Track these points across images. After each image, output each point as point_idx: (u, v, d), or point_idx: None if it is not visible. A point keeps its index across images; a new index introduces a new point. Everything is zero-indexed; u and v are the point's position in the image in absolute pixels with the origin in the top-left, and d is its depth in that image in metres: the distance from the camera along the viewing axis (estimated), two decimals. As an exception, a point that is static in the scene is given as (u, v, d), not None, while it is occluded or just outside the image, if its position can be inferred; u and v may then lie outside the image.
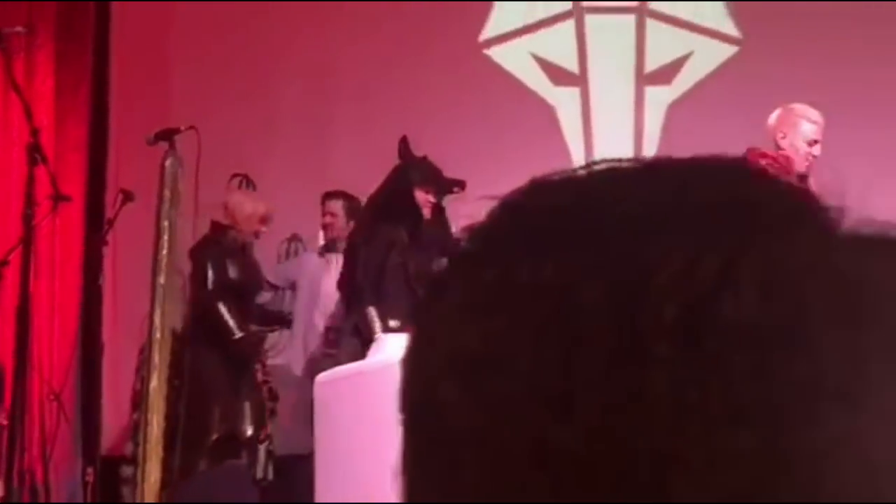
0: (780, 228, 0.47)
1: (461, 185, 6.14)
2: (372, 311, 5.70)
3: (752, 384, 0.44)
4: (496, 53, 7.75)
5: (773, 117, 5.49)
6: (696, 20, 7.77)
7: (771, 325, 0.44)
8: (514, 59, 7.76)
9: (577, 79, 7.82)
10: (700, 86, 7.70)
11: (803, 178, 5.33)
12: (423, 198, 6.03)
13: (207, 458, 5.85)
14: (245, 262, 6.18)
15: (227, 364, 6.00)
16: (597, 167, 0.50)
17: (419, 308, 0.52)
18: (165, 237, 4.64)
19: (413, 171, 6.12)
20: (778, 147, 5.40)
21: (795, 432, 0.44)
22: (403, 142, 6.21)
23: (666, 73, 7.78)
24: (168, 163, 4.70)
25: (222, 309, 5.96)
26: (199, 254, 6.07)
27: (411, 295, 5.78)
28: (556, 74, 7.79)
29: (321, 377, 4.81)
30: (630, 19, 7.81)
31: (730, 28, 7.75)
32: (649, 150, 7.68)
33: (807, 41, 7.48)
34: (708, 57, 7.74)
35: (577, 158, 7.70)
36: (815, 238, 0.48)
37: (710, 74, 7.71)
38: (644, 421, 0.44)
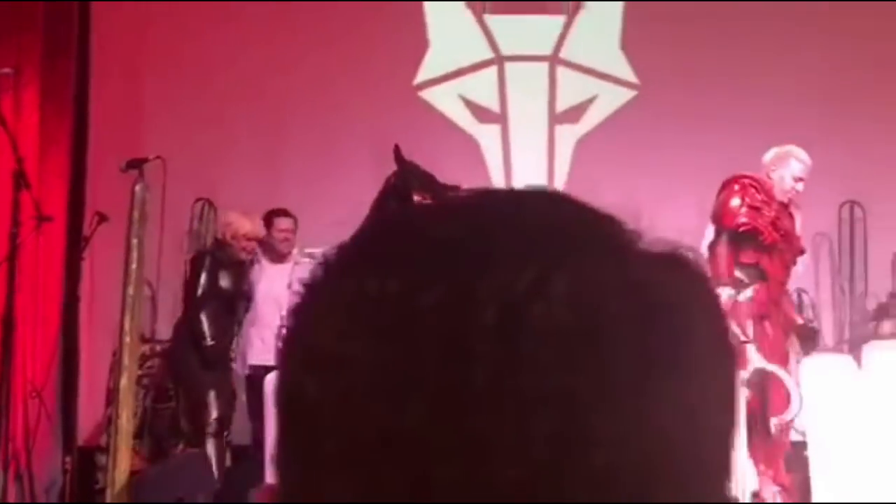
0: (587, 248, 0.49)
1: (455, 190, 6.04)
2: None
3: (558, 376, 0.45)
4: (428, 94, 7.82)
5: (768, 155, 5.54)
6: (600, 68, 7.88)
7: (574, 328, 0.46)
8: (444, 99, 7.80)
9: (499, 117, 7.86)
10: (603, 124, 7.77)
11: (784, 206, 5.44)
12: (420, 202, 5.95)
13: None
14: (237, 275, 6.21)
15: (203, 364, 6.03)
16: (446, 195, 0.56)
17: (292, 310, 0.52)
18: (134, 253, 4.68)
19: (411, 176, 6.03)
20: (768, 177, 5.45)
21: (594, 415, 0.45)
22: (397, 150, 6.14)
23: (574, 113, 7.83)
24: (137, 188, 4.76)
25: (202, 317, 5.99)
26: (197, 264, 6.13)
27: None
28: (480, 113, 7.83)
29: (271, 374, 4.85)
30: (543, 66, 7.86)
31: (628, 75, 7.86)
32: (560, 179, 7.81)
33: (690, 86, 7.58)
34: (610, 99, 7.80)
35: (499, 185, 7.79)
36: (615, 255, 0.49)
37: (611, 114, 7.78)
38: (468, 407, 0.45)
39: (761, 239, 5.26)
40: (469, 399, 0.45)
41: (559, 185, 7.76)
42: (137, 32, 7.42)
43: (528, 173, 7.77)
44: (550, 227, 0.50)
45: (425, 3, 7.82)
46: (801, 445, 4.75)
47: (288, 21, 7.58)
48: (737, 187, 5.38)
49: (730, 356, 0.52)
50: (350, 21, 7.60)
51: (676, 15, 7.63)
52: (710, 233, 5.40)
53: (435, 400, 0.45)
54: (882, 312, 6.47)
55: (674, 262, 0.52)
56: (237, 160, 7.30)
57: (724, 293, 5.01)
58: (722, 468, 0.50)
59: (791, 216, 5.49)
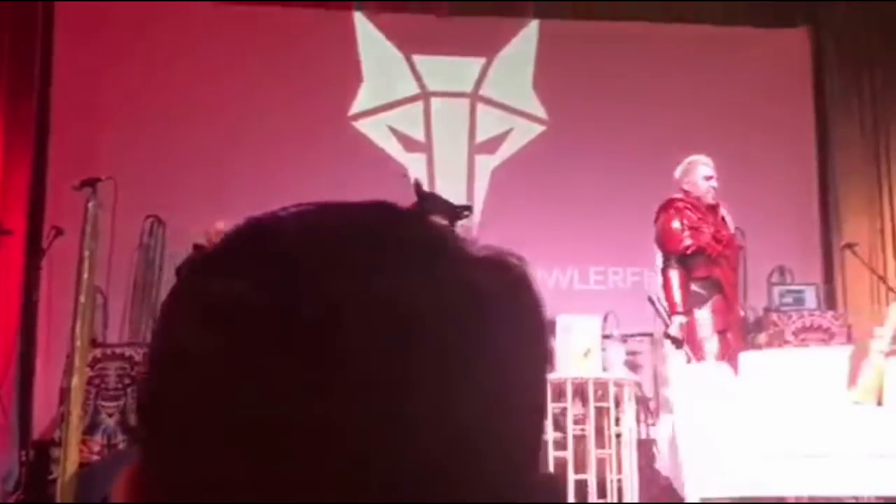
0: (407, 252, 0.49)
1: (469, 209, 5.98)
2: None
3: (371, 367, 0.45)
4: (362, 125, 7.84)
5: (678, 171, 5.48)
6: (514, 105, 7.95)
7: (387, 324, 0.46)
8: (376, 130, 7.84)
9: (424, 146, 7.89)
10: (517, 154, 7.84)
11: (714, 207, 5.35)
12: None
13: None
14: None
15: None
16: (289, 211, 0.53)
17: (161, 309, 0.52)
18: (86, 264, 4.63)
19: (429, 202, 5.94)
20: (685, 192, 5.38)
21: (402, 401, 0.45)
22: (417, 183, 6.07)
23: (491, 145, 7.89)
24: (90, 205, 4.71)
25: None
26: (180, 270, 6.05)
27: None
28: (408, 143, 7.85)
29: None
30: (465, 102, 7.92)
31: (539, 111, 7.98)
32: (478, 203, 7.88)
33: (592, 121, 7.70)
34: (523, 132, 7.88)
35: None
36: (432, 258, 0.49)
37: (524, 146, 7.87)
38: (300, 396, 0.45)
39: (707, 253, 5.16)
40: (300, 390, 0.45)
41: (477, 208, 7.84)
42: (95, 67, 7.35)
43: (450, 197, 7.81)
44: (375, 235, 0.50)
45: (360, 43, 7.86)
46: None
47: (235, 56, 7.56)
48: (672, 211, 5.27)
49: (540, 353, 0.52)
50: (292, 57, 7.61)
51: (584, 59, 7.78)
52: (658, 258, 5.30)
53: (262, 392, 0.45)
54: (757, 326, 6.61)
55: (493, 265, 0.51)
56: (185, 182, 7.25)
57: (678, 321, 4.95)
58: (527, 455, 0.50)
59: (723, 218, 5.41)
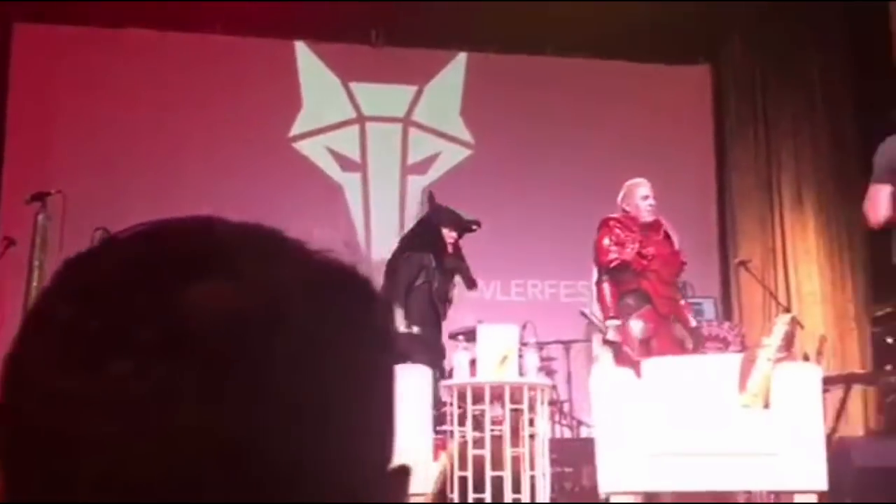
0: (236, 263, 0.46)
1: (478, 223, 5.92)
2: (399, 310, 5.44)
3: (195, 375, 0.43)
4: (301, 146, 7.82)
5: (620, 195, 5.52)
6: (443, 129, 8.02)
7: (213, 335, 0.44)
8: (314, 150, 7.83)
9: (360, 167, 7.90)
10: (446, 175, 7.89)
11: (653, 225, 5.38)
12: (448, 235, 5.82)
13: None
14: None
15: None
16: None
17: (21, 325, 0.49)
18: (35, 273, 4.57)
19: (441, 214, 5.91)
20: (624, 212, 5.42)
21: (212, 406, 0.43)
22: (430, 194, 6.05)
23: (423, 166, 7.93)
24: (40, 218, 4.65)
25: None
26: None
27: (432, 308, 5.58)
28: (344, 163, 7.84)
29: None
30: (398, 126, 7.97)
31: (467, 136, 8.04)
32: (409, 222, 7.88)
33: (515, 147, 7.78)
34: (451, 155, 7.94)
35: (359, 225, 7.85)
36: (258, 267, 0.46)
37: (453, 168, 7.93)
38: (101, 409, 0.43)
39: (633, 268, 5.25)
40: (133, 399, 0.43)
41: (409, 225, 7.86)
42: (48, 87, 7.23)
43: (383, 214, 7.84)
44: (209, 247, 0.47)
45: (300, 70, 7.84)
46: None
47: (182, 77, 7.49)
48: (605, 229, 5.36)
49: (367, 362, 0.49)
50: (237, 81, 7.57)
51: (508, 89, 7.86)
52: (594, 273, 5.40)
53: (100, 401, 0.43)
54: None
55: (327, 274, 0.49)
56: (133, 196, 7.14)
57: (612, 325, 5.14)
58: (344, 465, 0.46)
59: (667, 236, 5.44)
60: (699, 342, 5.40)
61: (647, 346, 5.14)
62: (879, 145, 4.39)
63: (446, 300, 5.77)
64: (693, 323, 5.49)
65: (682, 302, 5.57)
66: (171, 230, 0.49)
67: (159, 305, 0.44)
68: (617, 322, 5.14)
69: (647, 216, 5.37)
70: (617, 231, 5.34)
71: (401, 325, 5.25)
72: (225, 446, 0.43)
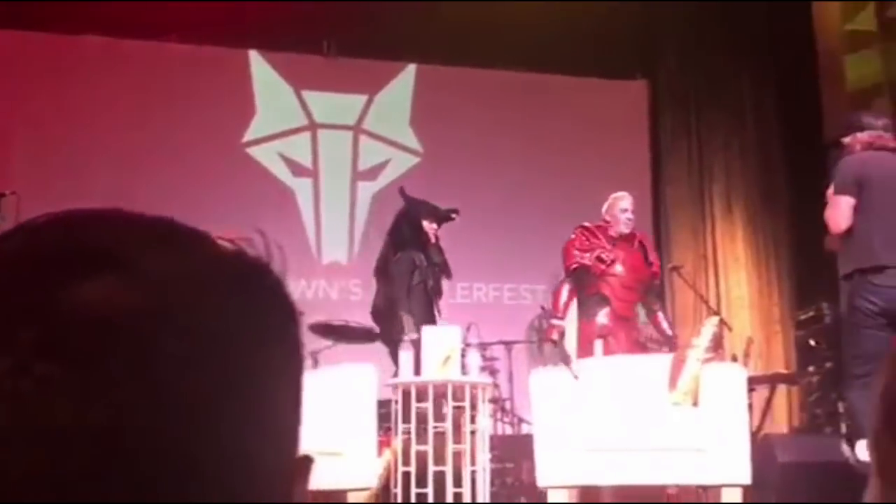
0: (125, 254, 0.44)
1: (456, 212, 5.68)
2: (407, 317, 5.10)
3: (75, 368, 0.41)
4: (254, 151, 7.74)
5: (604, 206, 5.62)
6: (393, 138, 8.01)
7: (93, 331, 0.42)
8: (266, 156, 7.76)
9: (311, 172, 7.84)
10: (395, 182, 7.87)
11: (630, 235, 5.51)
12: (429, 227, 5.53)
13: None
14: None
15: None
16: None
17: None
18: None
19: (419, 207, 5.62)
20: (605, 222, 5.55)
21: (94, 404, 0.41)
22: (402, 190, 5.79)
23: (373, 173, 7.89)
24: (-7, 218, 4.57)
25: None
26: None
27: (430, 308, 5.32)
28: (296, 168, 7.78)
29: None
30: (349, 134, 7.92)
31: (415, 145, 8.03)
32: (360, 223, 7.86)
33: (461, 154, 7.79)
34: (400, 163, 7.92)
35: (310, 228, 7.80)
36: (136, 263, 0.44)
37: (401, 175, 7.89)
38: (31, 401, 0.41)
39: (593, 272, 5.34)
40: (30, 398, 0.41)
41: (359, 229, 7.83)
42: (4, 92, 7.07)
43: (333, 218, 7.80)
44: (101, 241, 0.45)
45: (254, 78, 7.78)
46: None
47: (140, 84, 7.39)
48: (574, 235, 5.49)
49: (263, 358, 0.46)
50: (192, 88, 7.48)
51: (454, 99, 7.88)
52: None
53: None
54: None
55: (226, 268, 0.47)
56: (88, 199, 6.98)
57: (555, 323, 5.36)
58: (232, 463, 0.43)
59: (642, 246, 5.55)
60: (672, 348, 5.45)
61: (606, 344, 5.21)
62: (840, 161, 4.46)
63: (440, 295, 5.61)
64: (668, 331, 5.58)
65: (659, 313, 5.66)
66: (63, 223, 0.47)
67: (43, 302, 0.42)
68: (558, 322, 5.24)
69: (623, 228, 5.51)
70: (583, 237, 5.49)
71: (412, 331, 4.88)
72: (99, 443, 0.40)
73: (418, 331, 4.69)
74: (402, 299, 5.22)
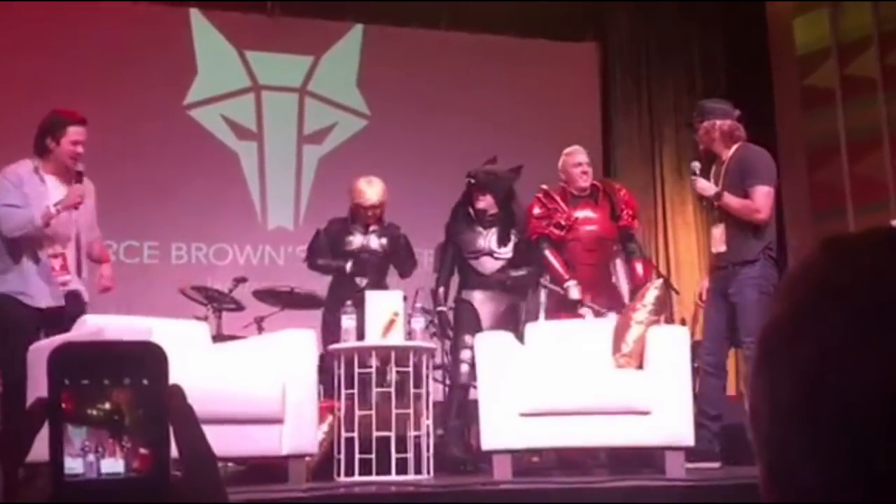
0: None
1: (518, 170, 5.44)
2: (440, 291, 5.33)
3: None
4: (196, 113, 7.63)
5: (559, 164, 5.39)
6: (339, 100, 7.94)
7: None
8: (209, 118, 7.65)
9: (256, 136, 7.75)
10: (342, 145, 7.81)
11: (593, 188, 5.25)
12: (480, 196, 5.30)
13: None
14: None
15: None
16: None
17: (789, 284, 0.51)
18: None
19: (477, 175, 5.40)
20: (562, 182, 5.30)
21: None
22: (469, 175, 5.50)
23: (319, 136, 7.82)
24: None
25: None
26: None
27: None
28: (240, 132, 7.68)
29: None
30: (294, 96, 7.85)
31: (362, 107, 7.96)
32: (305, 191, 7.79)
33: (408, 118, 7.75)
34: (347, 126, 7.87)
35: (255, 193, 7.71)
36: None
37: (348, 138, 7.87)
38: None
39: (553, 240, 5.15)
40: None
41: (305, 194, 7.77)
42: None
43: (279, 183, 7.72)
44: None
45: (195, 37, 7.63)
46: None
47: (79, 42, 7.20)
48: (533, 202, 5.26)
49: None
50: (131, 47, 7.32)
51: (403, 61, 7.81)
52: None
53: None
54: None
55: None
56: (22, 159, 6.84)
57: (571, 284, 5.04)
58: None
59: (607, 196, 5.24)
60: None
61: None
62: (757, 153, 4.65)
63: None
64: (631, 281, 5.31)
65: (637, 262, 5.36)
66: None
67: None
68: (573, 282, 5.06)
69: (581, 182, 5.25)
70: (541, 204, 5.25)
71: (441, 298, 5.31)
72: None
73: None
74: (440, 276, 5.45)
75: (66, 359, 0.59)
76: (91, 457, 0.58)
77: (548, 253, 5.21)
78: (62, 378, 0.59)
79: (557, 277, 5.15)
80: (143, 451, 0.60)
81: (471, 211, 5.37)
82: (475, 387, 5.38)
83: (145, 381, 0.61)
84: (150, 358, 0.61)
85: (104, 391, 0.59)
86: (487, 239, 5.34)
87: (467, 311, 5.22)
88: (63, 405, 0.58)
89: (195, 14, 7.64)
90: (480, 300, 5.24)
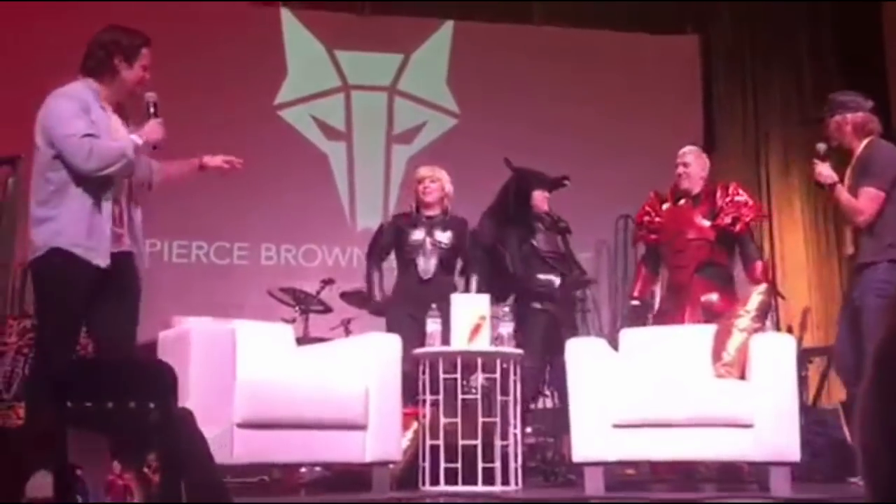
0: None
1: (567, 178, 5.53)
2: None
3: None
4: (286, 114, 7.67)
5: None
6: (429, 99, 7.88)
7: None
8: (299, 118, 7.70)
9: (345, 136, 7.76)
10: (431, 145, 7.75)
11: (699, 189, 5.10)
12: (541, 196, 5.43)
13: None
14: None
15: None
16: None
17: None
18: None
19: (527, 177, 5.48)
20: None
21: None
22: (508, 161, 5.56)
23: (408, 136, 7.79)
24: (10, 181, 4.55)
25: None
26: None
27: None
28: (329, 132, 7.71)
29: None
30: (383, 96, 7.84)
31: (452, 106, 7.89)
32: (394, 191, 7.76)
33: (501, 117, 7.62)
34: (437, 125, 7.81)
35: (344, 195, 7.72)
36: None
37: (438, 137, 7.79)
38: None
39: (649, 245, 5.28)
40: None
41: (394, 195, 7.74)
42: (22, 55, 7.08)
43: (368, 184, 7.72)
44: None
45: (286, 37, 7.69)
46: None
47: (169, 41, 7.28)
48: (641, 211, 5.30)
49: None
50: (223, 47, 7.41)
51: (495, 59, 7.72)
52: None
53: None
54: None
55: None
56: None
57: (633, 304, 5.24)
58: None
59: (709, 196, 5.11)
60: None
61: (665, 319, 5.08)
62: (877, 150, 4.41)
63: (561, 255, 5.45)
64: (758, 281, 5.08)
65: (757, 262, 5.19)
66: None
67: None
68: (634, 302, 5.30)
69: (683, 183, 5.14)
70: (644, 208, 5.26)
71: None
72: None
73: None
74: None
75: (70, 379, 0.52)
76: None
77: (640, 265, 5.28)
78: (64, 399, 0.52)
79: (631, 289, 5.29)
80: (152, 478, 0.52)
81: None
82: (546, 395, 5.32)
83: (152, 405, 0.54)
84: (158, 380, 0.54)
85: (108, 415, 0.52)
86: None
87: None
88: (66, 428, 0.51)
89: (286, 13, 7.70)
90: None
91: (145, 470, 0.52)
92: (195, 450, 0.44)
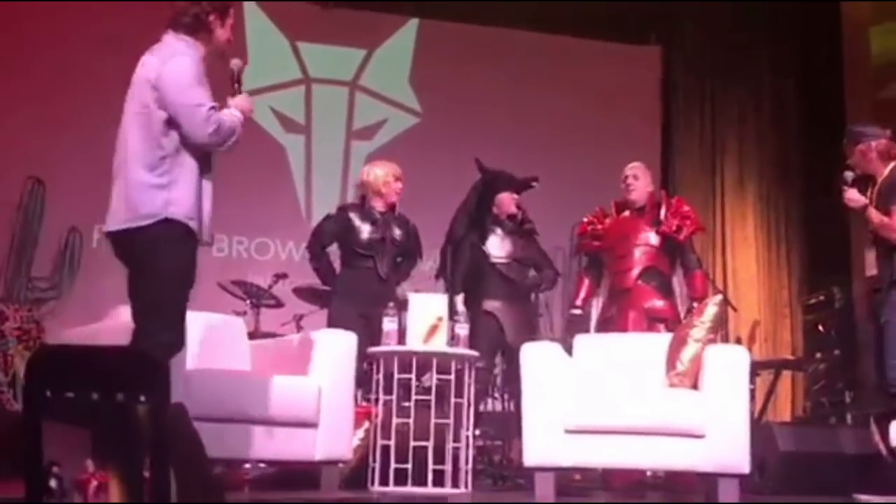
0: None
1: (536, 179, 5.44)
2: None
3: None
4: (243, 104, 7.60)
5: None
6: (391, 96, 7.84)
7: None
8: (257, 109, 7.51)
9: (304, 129, 7.70)
10: (391, 142, 7.70)
11: (643, 202, 5.24)
12: (509, 198, 5.39)
13: None
14: None
15: None
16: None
17: None
18: None
19: (495, 179, 5.43)
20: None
21: None
22: (478, 162, 5.47)
23: (368, 132, 7.75)
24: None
25: None
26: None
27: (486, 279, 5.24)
28: (288, 124, 7.63)
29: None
30: (344, 90, 7.79)
31: (414, 104, 7.87)
32: (351, 187, 7.70)
33: (461, 117, 7.63)
34: (398, 123, 7.78)
35: (300, 188, 7.65)
36: None
37: (398, 135, 7.75)
38: None
39: (594, 254, 5.40)
40: None
41: (351, 191, 7.68)
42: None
43: (325, 178, 7.66)
44: None
45: (247, 27, 7.60)
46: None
47: (127, 34, 7.18)
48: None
49: None
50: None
51: (458, 58, 7.71)
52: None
53: None
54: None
55: None
56: (68, 149, 6.86)
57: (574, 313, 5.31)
58: None
59: (654, 208, 5.23)
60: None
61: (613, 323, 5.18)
62: None
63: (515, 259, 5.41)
64: (694, 294, 5.23)
65: (696, 270, 5.32)
66: None
67: None
68: (575, 311, 5.42)
69: (630, 195, 5.30)
70: (588, 219, 5.42)
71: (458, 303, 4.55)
72: None
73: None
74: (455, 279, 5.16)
75: (51, 366, 0.49)
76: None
77: (582, 274, 5.39)
78: (43, 388, 0.48)
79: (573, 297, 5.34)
80: (142, 476, 0.49)
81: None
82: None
83: (142, 399, 0.51)
84: (149, 373, 0.51)
85: (93, 407, 0.49)
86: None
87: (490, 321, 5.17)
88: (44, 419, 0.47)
89: (248, 4, 7.61)
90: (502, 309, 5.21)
91: (132, 468, 0.48)
92: (188, 447, 0.42)
